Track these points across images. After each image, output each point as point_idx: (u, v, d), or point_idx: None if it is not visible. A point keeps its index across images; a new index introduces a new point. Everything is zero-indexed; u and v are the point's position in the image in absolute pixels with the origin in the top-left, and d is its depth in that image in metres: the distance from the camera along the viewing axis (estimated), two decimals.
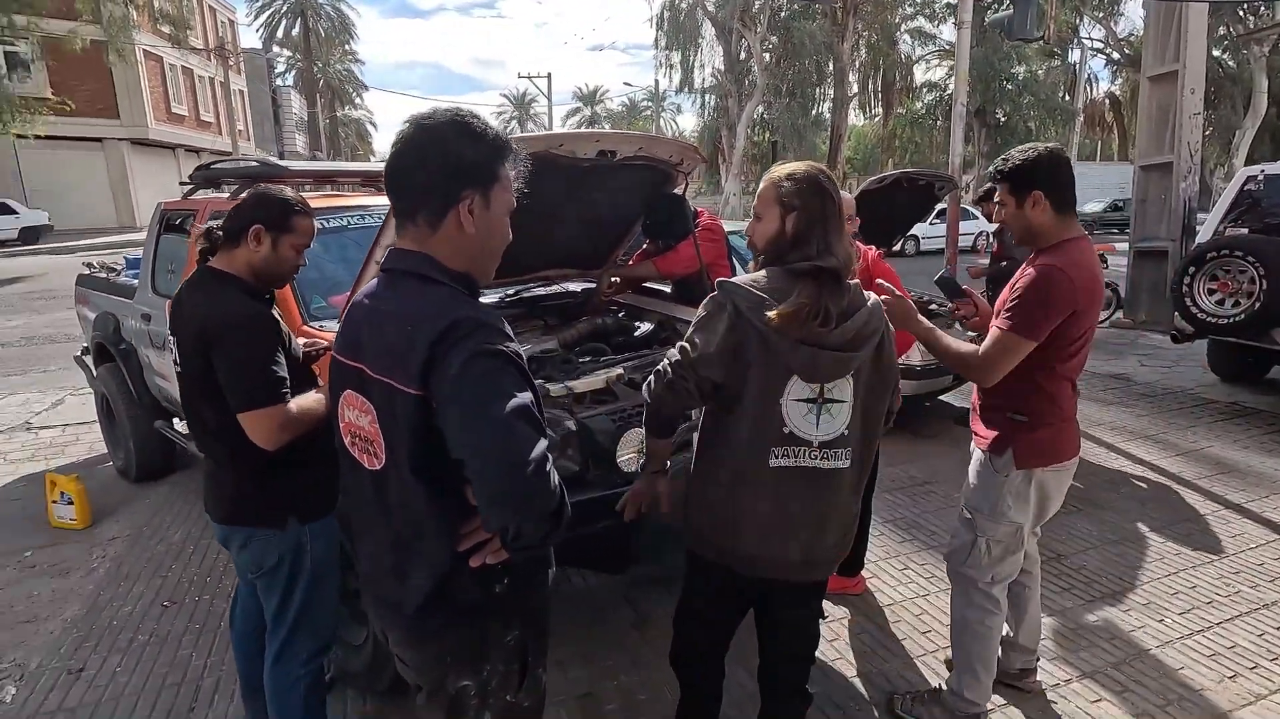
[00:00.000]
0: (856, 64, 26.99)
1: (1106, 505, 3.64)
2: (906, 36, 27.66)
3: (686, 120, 47.06)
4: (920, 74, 29.43)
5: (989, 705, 2.13)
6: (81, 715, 2.28)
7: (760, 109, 25.09)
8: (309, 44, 42.57)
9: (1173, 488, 3.85)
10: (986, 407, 2.03)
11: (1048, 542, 3.23)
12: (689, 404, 1.57)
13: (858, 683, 2.36)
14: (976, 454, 2.05)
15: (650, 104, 38.25)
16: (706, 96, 28.66)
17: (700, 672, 1.85)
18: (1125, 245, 8.47)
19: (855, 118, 30.68)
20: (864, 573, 2.94)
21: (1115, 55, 26.73)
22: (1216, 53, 22.02)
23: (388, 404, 1.10)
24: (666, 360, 1.54)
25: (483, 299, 1.24)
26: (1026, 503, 1.97)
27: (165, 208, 3.85)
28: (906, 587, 2.93)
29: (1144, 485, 3.91)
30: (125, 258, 5.11)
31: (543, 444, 1.00)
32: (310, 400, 1.68)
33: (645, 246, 3.53)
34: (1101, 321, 8.01)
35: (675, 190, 2.99)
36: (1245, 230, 5.21)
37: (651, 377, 1.57)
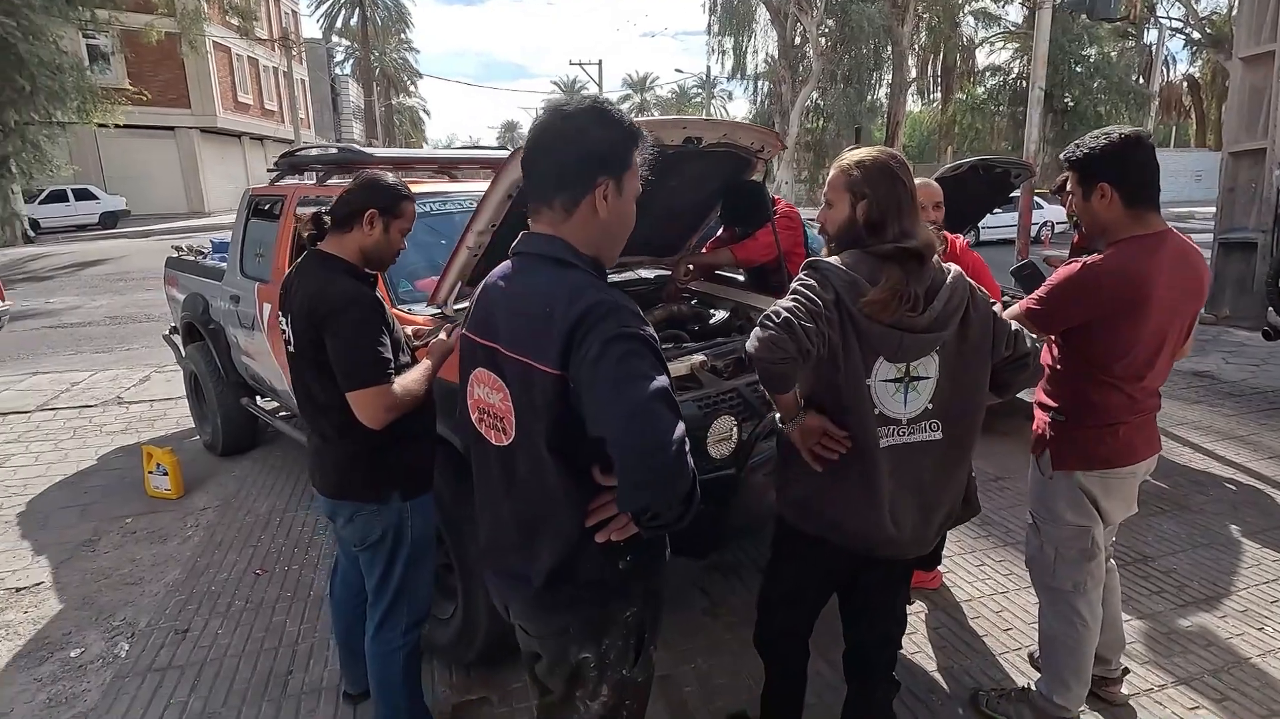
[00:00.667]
0: (915, 48, 26.14)
1: (1194, 507, 3.49)
2: (970, 18, 26.67)
3: (738, 107, 46.58)
4: (983, 57, 28.40)
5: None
6: (190, 673, 2.42)
7: (815, 95, 24.54)
8: (366, 33, 43.42)
9: (1266, 491, 3.67)
10: (1038, 404, 1.95)
11: (1132, 543, 3.13)
12: (805, 350, 1.42)
13: (939, 677, 2.33)
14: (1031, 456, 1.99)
15: (700, 90, 37.88)
16: (759, 83, 28.19)
17: (787, 652, 1.86)
18: (1209, 237, 8.03)
19: (913, 103, 29.79)
20: (939, 568, 2.90)
21: (1195, 35, 25.25)
22: None
23: (523, 382, 1.12)
24: (778, 306, 1.45)
25: None
26: (1082, 506, 1.88)
27: (254, 193, 4.00)
28: (984, 583, 2.87)
29: (1234, 488, 3.73)
30: (212, 241, 5.34)
31: (681, 426, 1.02)
32: (411, 380, 1.74)
33: (720, 234, 3.52)
34: None
35: (754, 177, 2.97)
36: None
37: (758, 328, 1.45)
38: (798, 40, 24.88)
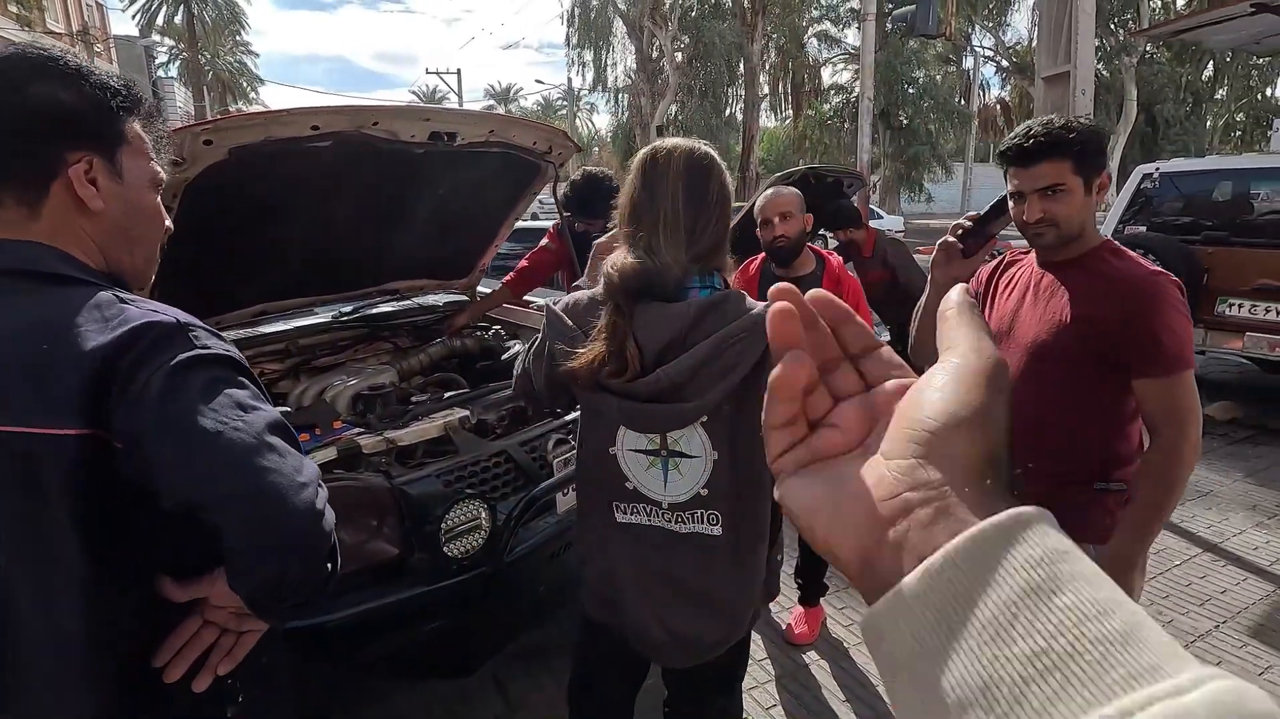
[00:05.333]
0: (767, 65, 27.28)
1: None
2: (814, 40, 28.21)
3: (602, 119, 46.68)
4: (827, 77, 30.15)
5: None
6: None
7: (674, 109, 24.95)
8: (194, 32, 39.56)
9: None
10: (1055, 473, 1.42)
11: None
12: (526, 391, 1.33)
13: None
14: None
15: (565, 103, 37.65)
16: (620, 95, 28.31)
17: None
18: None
19: (767, 119, 31.11)
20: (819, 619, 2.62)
21: (1004, 63, 28.21)
22: None
23: (11, 464, 0.75)
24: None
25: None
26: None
27: None
28: (825, 641, 2.57)
29: None
30: None
31: (312, 465, 0.80)
32: None
33: (544, 242, 3.05)
34: None
35: (544, 181, 2.52)
36: (1143, 228, 5.23)
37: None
38: (655, 54, 25.22)
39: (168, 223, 0.92)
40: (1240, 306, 4.58)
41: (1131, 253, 1.42)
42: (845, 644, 2.53)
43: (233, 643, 0.86)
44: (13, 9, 19.77)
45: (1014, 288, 1.53)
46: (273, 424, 0.79)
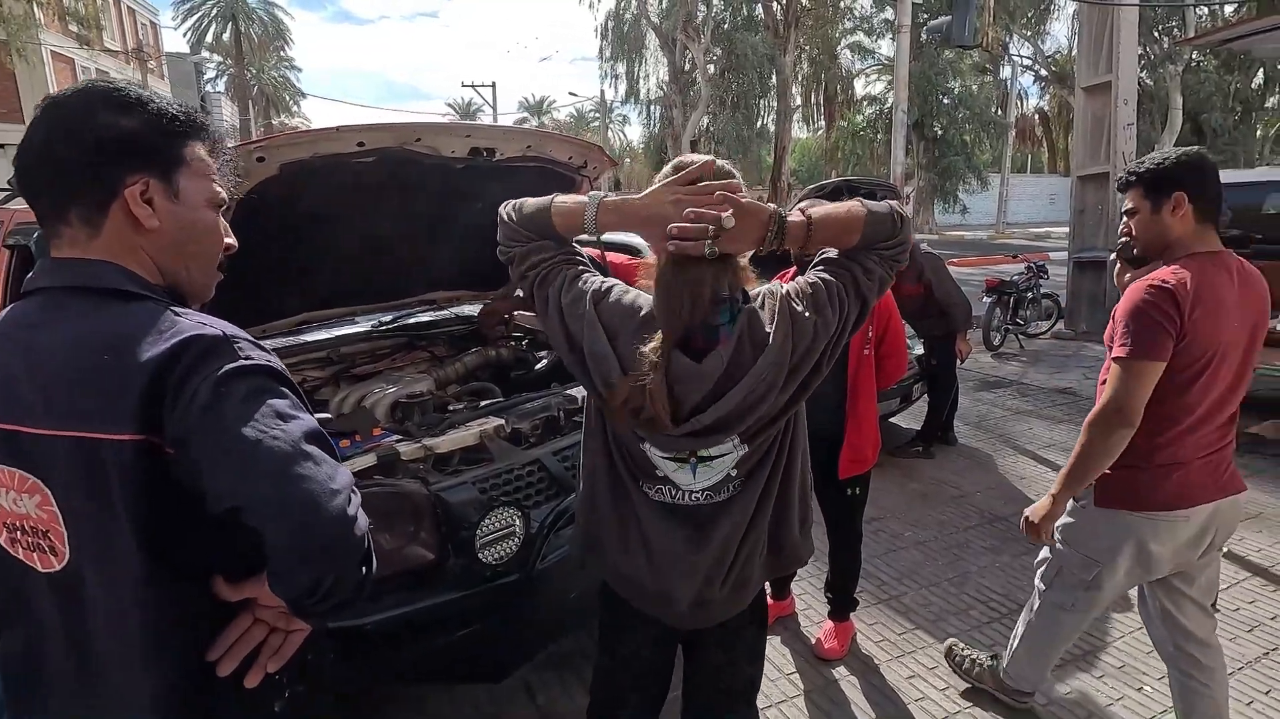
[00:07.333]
0: (799, 77, 27.23)
1: None
2: (847, 51, 28.09)
3: (634, 131, 47.06)
4: (860, 88, 29.99)
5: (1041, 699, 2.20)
6: None
7: (705, 120, 25.04)
8: (240, 49, 41.01)
9: None
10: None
11: (1009, 590, 2.90)
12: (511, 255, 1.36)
13: None
14: None
15: (598, 114, 38.08)
16: (652, 107, 28.52)
17: None
18: (1064, 255, 8.47)
19: (799, 130, 31.04)
20: (818, 637, 2.59)
21: (1043, 72, 27.71)
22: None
23: (80, 467, 0.82)
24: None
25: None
26: (1110, 548, 1.77)
27: None
28: (855, 657, 2.54)
29: None
30: None
31: (346, 472, 0.84)
32: None
33: None
34: (1043, 333, 8.04)
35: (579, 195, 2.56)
36: None
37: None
38: (687, 66, 25.36)
39: (229, 239, 0.97)
40: None
41: (1182, 268, 1.63)
42: (876, 660, 2.50)
43: (281, 641, 0.90)
44: (74, 29, 20.68)
45: None
46: (309, 433, 0.83)
